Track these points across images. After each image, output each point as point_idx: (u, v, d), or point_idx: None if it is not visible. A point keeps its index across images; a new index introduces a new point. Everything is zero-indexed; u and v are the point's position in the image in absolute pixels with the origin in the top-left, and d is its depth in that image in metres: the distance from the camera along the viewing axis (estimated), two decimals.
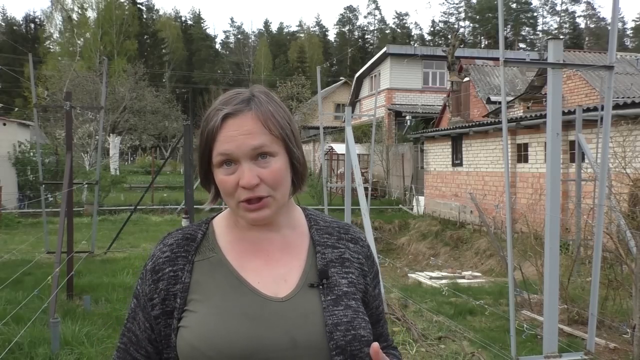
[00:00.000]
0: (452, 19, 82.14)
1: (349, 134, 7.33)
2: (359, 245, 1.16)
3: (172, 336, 1.03)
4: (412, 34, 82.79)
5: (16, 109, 36.65)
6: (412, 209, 17.81)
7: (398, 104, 26.10)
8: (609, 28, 4.26)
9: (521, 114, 14.38)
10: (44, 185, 10.17)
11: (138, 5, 64.05)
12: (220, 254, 1.08)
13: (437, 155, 16.32)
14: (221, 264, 1.07)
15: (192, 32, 77.35)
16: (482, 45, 70.69)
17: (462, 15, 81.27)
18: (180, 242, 1.09)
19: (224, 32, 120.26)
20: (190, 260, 1.07)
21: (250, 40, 79.96)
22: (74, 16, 47.81)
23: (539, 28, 78.26)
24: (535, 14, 77.39)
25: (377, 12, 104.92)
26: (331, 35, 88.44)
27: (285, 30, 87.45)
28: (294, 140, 1.07)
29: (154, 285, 1.06)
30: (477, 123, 14.38)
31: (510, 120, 11.51)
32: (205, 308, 1.01)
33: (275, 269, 1.07)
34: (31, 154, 17.04)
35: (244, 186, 1.00)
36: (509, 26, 70.88)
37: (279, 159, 1.04)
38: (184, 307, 1.03)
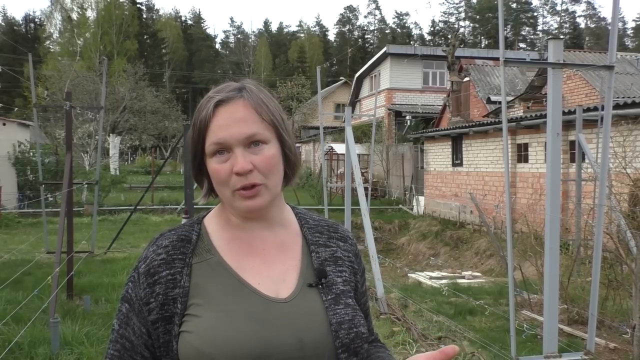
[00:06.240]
0: (452, 19, 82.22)
1: (349, 134, 7.34)
2: (348, 244, 1.18)
3: (172, 342, 0.99)
4: (412, 33, 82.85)
5: (16, 109, 36.68)
6: (412, 209, 17.81)
7: (398, 104, 26.09)
8: (609, 28, 4.26)
9: (521, 114, 14.37)
10: (43, 185, 10.18)
11: (138, 5, 64.05)
12: (217, 255, 1.06)
13: (437, 155, 16.32)
14: (220, 265, 1.04)
15: (192, 32, 77.41)
16: (482, 45, 70.71)
17: (462, 15, 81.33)
18: (176, 244, 1.05)
19: (224, 32, 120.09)
20: (187, 263, 1.03)
21: (250, 40, 79.98)
22: (74, 16, 47.78)
23: (539, 28, 78.32)
24: (535, 14, 77.44)
25: (377, 12, 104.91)
26: (331, 35, 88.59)
27: (285, 30, 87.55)
28: (285, 128, 1.08)
29: (150, 289, 1.01)
30: (477, 123, 14.38)
31: (510, 120, 11.51)
32: (209, 312, 0.99)
33: (273, 269, 1.06)
34: (31, 154, 17.02)
35: (238, 172, 0.99)
36: (509, 26, 70.88)
37: (272, 147, 1.04)
38: (185, 312, 1.00)
